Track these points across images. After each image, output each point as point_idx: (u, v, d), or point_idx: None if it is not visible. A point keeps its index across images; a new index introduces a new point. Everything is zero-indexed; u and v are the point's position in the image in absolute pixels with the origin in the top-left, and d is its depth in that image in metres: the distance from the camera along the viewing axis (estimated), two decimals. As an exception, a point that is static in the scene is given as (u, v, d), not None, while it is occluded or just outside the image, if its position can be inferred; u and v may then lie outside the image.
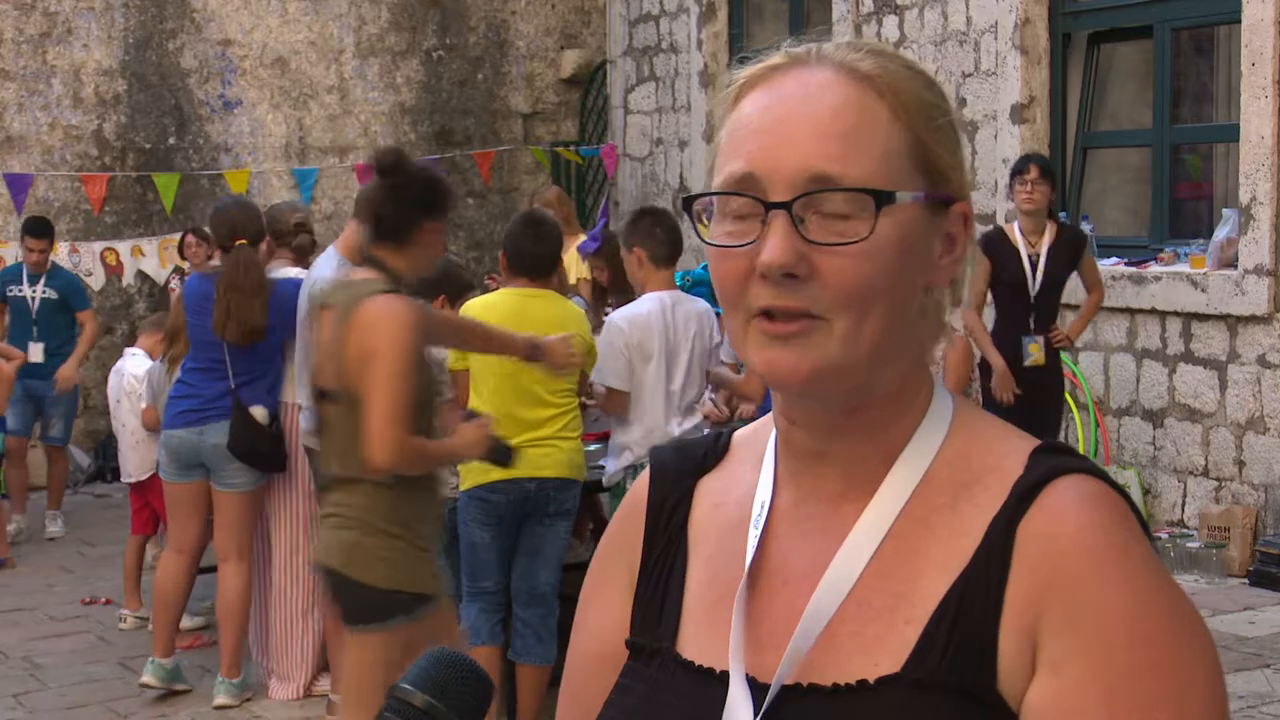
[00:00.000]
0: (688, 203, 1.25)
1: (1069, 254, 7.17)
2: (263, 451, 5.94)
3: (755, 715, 1.18)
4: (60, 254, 10.15)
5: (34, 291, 9.12)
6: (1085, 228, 8.09)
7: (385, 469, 3.77)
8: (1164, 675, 1.10)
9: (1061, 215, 8.29)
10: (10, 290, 9.19)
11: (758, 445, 1.34)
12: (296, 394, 5.83)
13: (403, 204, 4.02)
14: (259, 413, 5.92)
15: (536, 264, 5.19)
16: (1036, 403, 6.92)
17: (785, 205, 1.16)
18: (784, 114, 1.19)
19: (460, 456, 4.44)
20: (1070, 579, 1.13)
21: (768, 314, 1.18)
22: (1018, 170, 7.23)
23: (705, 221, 1.23)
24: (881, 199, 1.16)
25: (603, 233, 7.20)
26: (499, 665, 5.27)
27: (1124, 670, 1.10)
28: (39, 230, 9.20)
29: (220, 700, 5.99)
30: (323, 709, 5.86)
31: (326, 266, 5.61)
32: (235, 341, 5.90)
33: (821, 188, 1.16)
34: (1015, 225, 7.17)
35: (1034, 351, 7.06)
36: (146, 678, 6.09)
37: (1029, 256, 7.08)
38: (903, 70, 1.22)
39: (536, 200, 8.80)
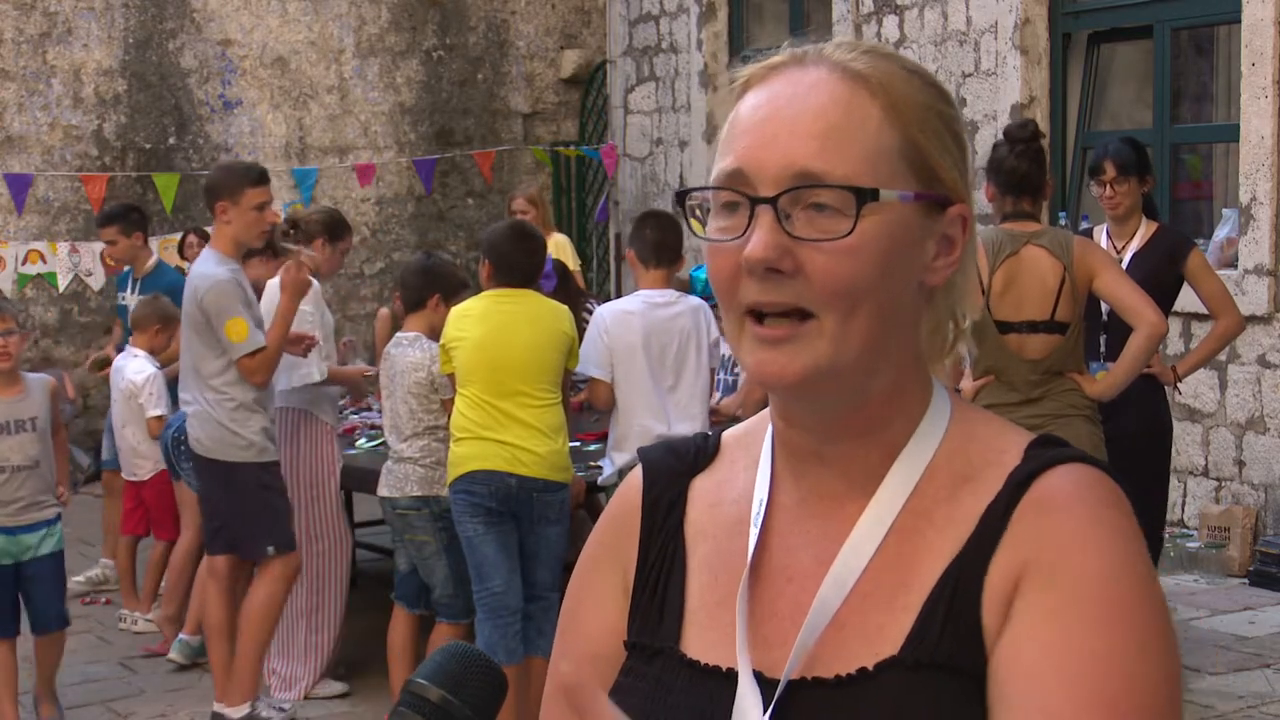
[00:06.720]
0: (680, 197, 1.26)
1: (1160, 262, 5.51)
2: None
3: (765, 711, 1.19)
4: (60, 254, 10.10)
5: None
6: (1084, 227, 8.01)
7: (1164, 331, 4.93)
8: (1124, 633, 1.12)
9: (1061, 215, 8.28)
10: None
11: (750, 444, 1.34)
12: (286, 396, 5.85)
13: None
14: None
15: (525, 275, 5.30)
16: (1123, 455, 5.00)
17: (770, 200, 1.17)
18: (772, 112, 1.20)
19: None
20: (1052, 548, 1.15)
21: (758, 317, 1.19)
22: (1092, 170, 5.78)
23: (699, 218, 1.25)
24: (864, 196, 1.16)
25: (556, 268, 7.03)
26: (517, 685, 5.25)
27: (1086, 620, 1.12)
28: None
29: (172, 655, 6.47)
30: (322, 710, 5.86)
31: (207, 265, 5.48)
32: None
33: (806, 184, 1.17)
34: (1104, 228, 5.77)
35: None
36: (173, 655, 6.46)
37: None
38: (899, 71, 1.23)
39: (516, 195, 8.73)
